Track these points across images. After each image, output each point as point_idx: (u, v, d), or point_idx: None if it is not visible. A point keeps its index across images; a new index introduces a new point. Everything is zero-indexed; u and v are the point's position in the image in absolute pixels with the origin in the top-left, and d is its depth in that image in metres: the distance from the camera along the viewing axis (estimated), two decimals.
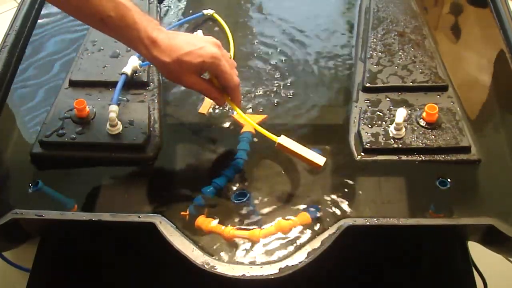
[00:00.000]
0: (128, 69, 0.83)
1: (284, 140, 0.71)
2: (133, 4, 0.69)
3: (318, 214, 0.69)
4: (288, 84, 0.88)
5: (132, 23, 0.68)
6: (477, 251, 0.80)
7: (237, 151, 0.76)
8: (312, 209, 0.69)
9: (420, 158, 0.74)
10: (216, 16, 0.99)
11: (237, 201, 0.71)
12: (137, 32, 0.68)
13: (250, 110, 0.84)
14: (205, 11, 1.00)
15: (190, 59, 0.69)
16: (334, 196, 0.71)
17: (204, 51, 0.69)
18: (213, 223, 0.68)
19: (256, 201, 0.71)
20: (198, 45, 0.69)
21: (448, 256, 0.78)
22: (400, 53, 0.89)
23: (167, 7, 1.04)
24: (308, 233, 0.67)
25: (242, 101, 0.84)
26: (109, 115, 0.74)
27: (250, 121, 0.73)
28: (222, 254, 0.65)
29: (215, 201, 0.71)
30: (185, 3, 1.05)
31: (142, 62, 0.85)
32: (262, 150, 0.77)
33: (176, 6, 1.04)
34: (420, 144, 0.75)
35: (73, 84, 0.85)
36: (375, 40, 0.92)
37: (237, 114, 0.75)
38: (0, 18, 1.83)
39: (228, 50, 0.92)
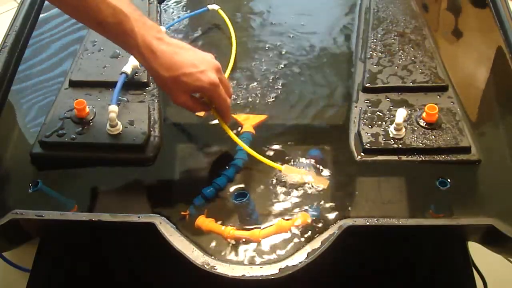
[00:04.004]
0: (128, 68, 0.83)
1: (287, 170, 0.73)
2: (134, 9, 0.68)
3: (318, 214, 0.69)
4: (288, 84, 0.88)
5: (130, 31, 0.67)
6: (477, 251, 0.80)
7: (237, 151, 0.76)
8: (312, 209, 0.69)
9: (420, 159, 0.74)
10: (221, 12, 0.99)
11: (237, 201, 0.71)
12: (134, 40, 0.67)
13: (250, 110, 0.84)
14: (210, 6, 0.99)
15: (188, 81, 0.69)
16: (334, 196, 0.71)
17: (205, 77, 0.69)
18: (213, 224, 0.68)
19: (256, 201, 0.71)
20: (200, 67, 0.69)
21: (448, 256, 0.78)
22: (400, 54, 0.89)
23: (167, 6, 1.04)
24: (308, 233, 0.67)
25: (241, 101, 0.84)
26: (109, 115, 0.74)
27: (249, 150, 0.74)
28: (222, 254, 0.65)
29: (215, 201, 0.71)
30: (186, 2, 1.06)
31: None
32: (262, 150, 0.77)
33: (177, 6, 1.04)
34: (420, 144, 0.75)
35: (73, 84, 0.85)
36: (375, 40, 0.92)
37: (236, 118, 0.78)
38: (0, 18, 1.83)
39: (230, 48, 0.93)
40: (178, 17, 1.00)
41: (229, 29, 0.96)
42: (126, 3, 0.67)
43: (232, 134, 0.74)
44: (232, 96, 0.80)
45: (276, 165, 0.73)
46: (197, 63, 0.69)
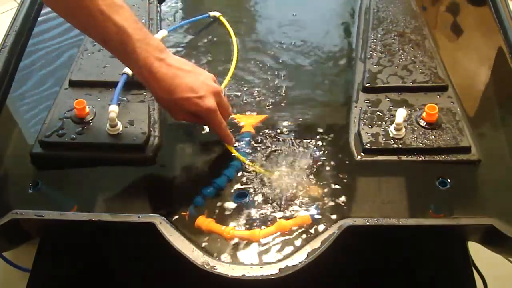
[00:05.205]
0: (129, 69, 0.83)
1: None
2: (139, 27, 0.68)
3: (318, 214, 0.69)
4: (288, 84, 0.88)
5: (132, 51, 0.67)
6: (477, 251, 0.80)
7: (237, 151, 0.76)
8: (312, 209, 0.69)
9: (420, 158, 0.74)
10: (222, 19, 0.99)
11: (237, 201, 0.71)
12: (136, 61, 0.68)
13: (250, 110, 0.84)
14: (211, 13, 1.00)
15: (186, 104, 0.70)
16: (334, 196, 0.71)
17: (202, 102, 0.70)
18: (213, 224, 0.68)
19: (256, 201, 0.71)
20: (198, 93, 0.70)
21: (448, 256, 0.78)
22: (400, 53, 0.89)
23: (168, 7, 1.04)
24: (308, 233, 0.67)
25: (242, 101, 0.85)
26: (109, 115, 0.74)
27: (242, 157, 0.75)
28: (222, 254, 0.65)
29: (215, 201, 0.71)
30: (186, 2, 1.06)
31: None
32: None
33: (177, 6, 1.04)
34: (420, 144, 0.75)
35: (73, 84, 0.85)
36: (375, 40, 0.92)
37: (236, 118, 0.79)
38: (0, 18, 1.83)
39: (232, 56, 0.93)
40: (177, 18, 1.00)
41: (231, 35, 0.96)
42: (132, 21, 0.68)
43: (234, 150, 0.75)
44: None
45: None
46: (196, 88, 0.70)
